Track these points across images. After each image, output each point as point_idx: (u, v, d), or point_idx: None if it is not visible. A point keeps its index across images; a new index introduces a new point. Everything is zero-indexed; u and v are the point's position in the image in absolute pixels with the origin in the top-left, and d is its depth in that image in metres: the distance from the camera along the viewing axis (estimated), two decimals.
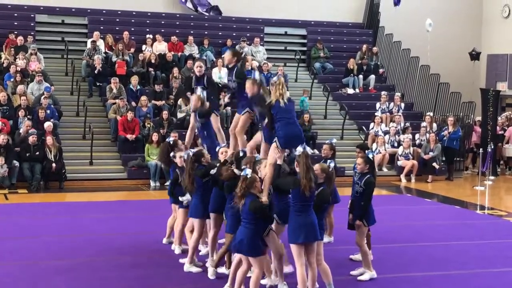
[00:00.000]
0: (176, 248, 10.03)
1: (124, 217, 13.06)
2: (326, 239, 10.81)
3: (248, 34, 22.59)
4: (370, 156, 9.06)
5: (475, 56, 23.94)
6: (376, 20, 24.98)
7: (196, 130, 10.20)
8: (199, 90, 9.96)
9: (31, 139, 16.25)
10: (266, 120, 8.24)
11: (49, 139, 16.40)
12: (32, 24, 21.50)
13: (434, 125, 20.57)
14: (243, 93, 8.86)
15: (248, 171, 7.63)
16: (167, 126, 18.07)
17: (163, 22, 22.80)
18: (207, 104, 9.87)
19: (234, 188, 7.75)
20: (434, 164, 19.16)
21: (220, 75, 18.65)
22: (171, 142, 9.90)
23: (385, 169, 19.32)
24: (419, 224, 12.88)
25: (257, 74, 8.57)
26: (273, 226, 8.04)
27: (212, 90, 10.18)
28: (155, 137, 17.29)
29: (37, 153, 16.27)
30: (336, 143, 10.78)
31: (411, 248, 10.72)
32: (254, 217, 7.55)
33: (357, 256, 9.55)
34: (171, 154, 9.72)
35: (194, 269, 9.06)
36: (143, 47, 21.33)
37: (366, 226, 8.90)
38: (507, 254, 10.50)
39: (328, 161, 8.67)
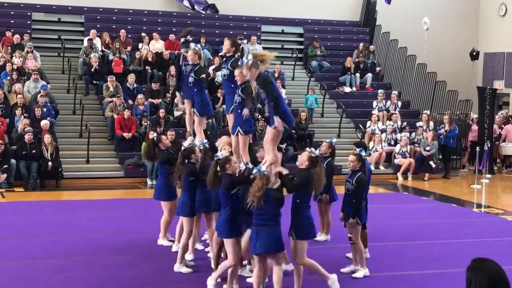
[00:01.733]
0: (174, 246, 10.02)
1: (121, 215, 13.05)
2: (323, 237, 10.85)
3: (245, 33, 22.54)
4: (362, 154, 9.04)
5: (475, 56, 23.91)
6: (373, 18, 25.00)
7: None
8: (193, 45, 9.95)
9: (27, 136, 16.22)
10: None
11: (46, 138, 16.37)
12: (28, 22, 21.47)
13: (431, 123, 20.59)
14: (231, 84, 8.78)
15: (263, 168, 7.39)
16: (163, 124, 18.06)
17: (160, 20, 22.78)
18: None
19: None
20: (431, 162, 19.18)
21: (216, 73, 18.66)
22: (155, 139, 10.03)
23: (382, 167, 19.35)
24: (416, 222, 12.88)
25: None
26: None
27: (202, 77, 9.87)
28: (151, 135, 17.24)
29: (34, 151, 16.24)
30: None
31: (408, 247, 10.73)
32: (278, 211, 7.40)
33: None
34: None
35: (184, 269, 8.99)
36: (140, 45, 21.32)
37: (359, 223, 8.91)
38: (504, 252, 10.49)
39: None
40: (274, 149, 8.03)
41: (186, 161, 8.85)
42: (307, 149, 7.94)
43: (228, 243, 7.79)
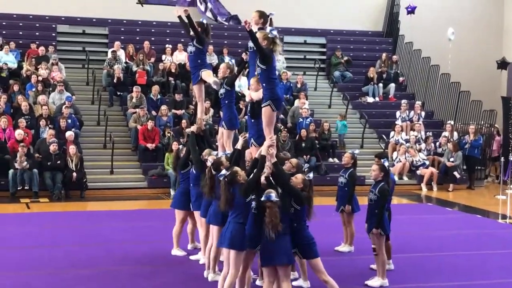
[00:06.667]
0: (202, 258, 10.01)
1: (145, 226, 13.10)
2: (346, 248, 10.81)
3: None
4: (386, 164, 9.01)
5: (502, 65, 23.51)
6: (396, 28, 24.94)
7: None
8: (227, 58, 10.08)
9: (52, 147, 16.37)
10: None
11: (70, 149, 16.51)
12: (53, 34, 21.73)
13: (455, 133, 20.47)
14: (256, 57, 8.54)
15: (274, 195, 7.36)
16: (187, 135, 18.09)
17: (183, 31, 22.75)
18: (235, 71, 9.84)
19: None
20: (455, 173, 19.05)
21: (240, 83, 18.65)
22: (180, 149, 10.76)
23: (405, 178, 19.23)
24: (440, 233, 12.78)
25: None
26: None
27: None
28: (175, 146, 17.26)
29: (58, 162, 16.38)
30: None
31: (432, 258, 10.64)
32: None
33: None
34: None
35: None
36: (163, 56, 21.45)
37: (382, 234, 8.86)
38: None
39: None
40: (271, 132, 8.11)
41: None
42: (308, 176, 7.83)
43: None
